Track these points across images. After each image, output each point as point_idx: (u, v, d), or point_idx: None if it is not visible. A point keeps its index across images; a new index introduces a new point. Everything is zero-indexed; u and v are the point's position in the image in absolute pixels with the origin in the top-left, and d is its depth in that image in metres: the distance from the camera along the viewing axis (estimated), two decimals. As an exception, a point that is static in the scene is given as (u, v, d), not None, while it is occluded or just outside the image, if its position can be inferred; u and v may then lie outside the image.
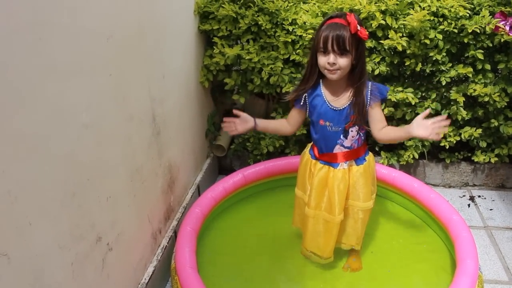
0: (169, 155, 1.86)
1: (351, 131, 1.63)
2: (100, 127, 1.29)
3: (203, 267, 1.74)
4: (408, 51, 2.04)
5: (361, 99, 1.57)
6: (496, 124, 2.21)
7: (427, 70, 2.12)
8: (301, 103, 1.68)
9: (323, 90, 1.62)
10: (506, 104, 2.13)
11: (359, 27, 1.47)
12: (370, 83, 1.60)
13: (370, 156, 1.76)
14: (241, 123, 1.72)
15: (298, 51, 2.09)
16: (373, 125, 1.62)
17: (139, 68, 1.55)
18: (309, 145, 1.80)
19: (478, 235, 2.10)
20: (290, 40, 2.07)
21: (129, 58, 1.46)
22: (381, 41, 2.03)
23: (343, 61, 1.49)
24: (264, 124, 1.77)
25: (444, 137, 2.27)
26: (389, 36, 2.02)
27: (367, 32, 1.53)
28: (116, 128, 1.40)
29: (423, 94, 2.20)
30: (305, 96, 1.66)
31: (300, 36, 2.07)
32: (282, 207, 2.10)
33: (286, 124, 1.78)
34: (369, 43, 2.06)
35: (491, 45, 2.03)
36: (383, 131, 1.62)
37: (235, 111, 1.72)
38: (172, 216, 1.94)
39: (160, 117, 1.73)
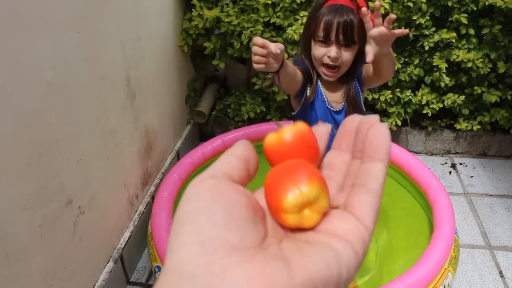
0: (146, 119, 1.82)
1: None
2: (68, 87, 1.25)
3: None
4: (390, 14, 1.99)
5: (353, 92, 1.32)
6: (479, 91, 2.19)
7: (410, 35, 2.08)
8: (302, 87, 1.34)
9: (321, 87, 1.33)
10: (489, 70, 2.11)
11: (369, 13, 1.14)
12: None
13: None
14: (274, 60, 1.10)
15: (278, 14, 2.03)
16: (372, 74, 1.29)
17: (111, 28, 1.49)
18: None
19: (458, 202, 2.11)
20: (270, 2, 2.00)
21: (100, 16, 1.40)
22: (364, 4, 1.98)
23: (347, 56, 1.21)
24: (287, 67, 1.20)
25: (427, 104, 2.25)
26: (372, -2, 1.97)
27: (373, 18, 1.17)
28: (86, 89, 1.35)
29: (406, 60, 2.17)
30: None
31: (281, -3, 2.01)
32: (261, 174, 2.08)
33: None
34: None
35: (475, 8, 1.99)
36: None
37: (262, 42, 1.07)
38: (149, 182, 1.92)
39: (135, 80, 1.68)
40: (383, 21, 1.09)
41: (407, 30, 1.13)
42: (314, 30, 1.21)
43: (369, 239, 0.27)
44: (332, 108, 1.33)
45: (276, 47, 1.06)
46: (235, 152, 0.30)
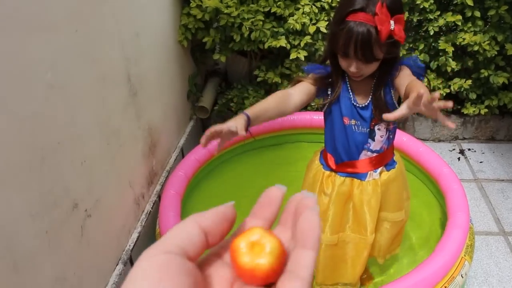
0: (148, 117, 1.78)
1: (378, 129, 1.26)
2: (68, 87, 1.20)
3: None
4: (394, -1, 1.94)
5: (382, 88, 1.22)
6: (486, 74, 2.15)
7: (414, 20, 2.04)
8: (321, 92, 1.29)
9: (348, 84, 1.26)
10: (496, 53, 2.06)
11: (393, 26, 1.05)
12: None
13: (398, 156, 1.42)
14: (225, 137, 1.12)
15: (279, 3, 1.98)
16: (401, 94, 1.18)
17: (110, 26, 1.45)
18: (318, 152, 1.46)
19: (469, 188, 2.08)
20: (270, -9, 1.96)
21: (97, 14, 1.36)
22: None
23: (370, 68, 1.16)
24: (256, 111, 1.18)
25: (433, 90, 2.21)
26: (375, -17, 1.91)
27: (403, 25, 1.08)
28: (87, 89, 1.31)
29: (411, 46, 2.12)
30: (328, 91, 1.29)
31: (281, -14, 1.96)
32: (269, 167, 2.04)
33: (290, 95, 1.23)
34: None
35: (481, -11, 1.95)
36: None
37: (213, 130, 1.07)
38: (155, 181, 1.88)
39: (135, 77, 1.64)
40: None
41: (450, 104, 0.92)
42: (335, 45, 1.15)
43: None
44: (357, 104, 1.25)
45: (231, 127, 1.05)
46: (201, 221, 0.31)
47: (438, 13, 2.02)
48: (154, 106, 1.85)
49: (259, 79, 2.20)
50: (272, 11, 2.00)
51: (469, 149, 2.38)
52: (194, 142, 2.35)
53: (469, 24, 2.04)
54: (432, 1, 1.97)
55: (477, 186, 2.10)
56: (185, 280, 0.28)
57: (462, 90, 2.20)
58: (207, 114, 2.37)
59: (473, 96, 2.24)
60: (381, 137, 1.28)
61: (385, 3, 1.04)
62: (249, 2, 2.02)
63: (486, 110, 2.26)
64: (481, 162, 2.27)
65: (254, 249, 0.31)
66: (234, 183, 2.05)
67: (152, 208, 1.78)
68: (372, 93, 1.23)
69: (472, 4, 1.95)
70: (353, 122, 1.26)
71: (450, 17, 2.00)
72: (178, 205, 1.69)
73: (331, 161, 1.34)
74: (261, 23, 1.98)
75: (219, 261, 0.33)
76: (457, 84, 2.18)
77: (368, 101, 1.24)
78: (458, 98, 2.34)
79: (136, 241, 1.63)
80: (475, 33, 2.04)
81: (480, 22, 2.03)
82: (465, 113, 2.29)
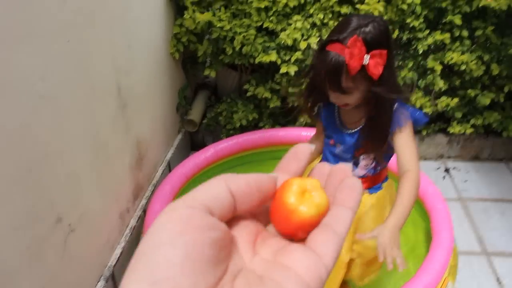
0: (137, 129, 1.76)
1: (363, 159, 1.26)
2: (58, 98, 1.19)
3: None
4: (385, 17, 1.97)
5: (376, 124, 1.18)
6: (473, 94, 2.18)
7: (404, 38, 2.06)
8: (316, 113, 1.32)
9: (337, 107, 1.26)
10: (482, 72, 2.10)
11: (366, 61, 1.03)
12: (397, 105, 1.17)
13: (388, 183, 1.37)
14: None
15: (271, 18, 1.99)
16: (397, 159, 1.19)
17: (102, 36, 1.44)
18: (318, 160, 1.43)
19: (453, 207, 2.09)
20: (263, 7, 1.96)
21: (90, 24, 1.35)
22: (357, 6, 1.95)
23: (350, 99, 1.12)
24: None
25: (421, 108, 2.23)
26: (366, 1, 1.94)
27: (383, 61, 1.05)
28: (77, 100, 1.29)
29: (400, 63, 2.14)
30: (320, 105, 1.30)
31: (274, 1, 1.97)
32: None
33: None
34: (345, 9, 1.97)
35: (468, 10, 1.98)
36: (401, 178, 1.14)
37: None
38: (141, 195, 1.85)
39: (126, 89, 1.62)
40: None
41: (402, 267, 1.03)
42: (313, 72, 1.17)
43: (327, 277, 0.28)
44: (344, 130, 1.25)
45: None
46: (234, 183, 0.29)
47: (428, 32, 2.05)
48: (143, 119, 1.83)
49: (248, 94, 2.20)
50: (264, 26, 2.00)
51: (454, 168, 2.40)
52: (182, 156, 2.33)
53: (457, 44, 2.07)
54: (422, 20, 2.00)
55: (461, 205, 2.12)
56: (208, 234, 0.25)
57: (448, 109, 2.23)
58: (195, 128, 2.36)
59: (459, 115, 2.27)
60: (366, 165, 1.27)
61: (362, 36, 1.03)
62: (242, 16, 2.03)
63: (471, 129, 2.29)
64: (465, 181, 2.30)
65: (304, 195, 0.30)
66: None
67: (137, 222, 1.75)
68: (363, 125, 1.22)
69: (460, 24, 1.98)
70: (338, 145, 1.27)
71: (438, 35, 2.03)
72: (164, 220, 1.66)
73: None
74: (253, 37, 1.98)
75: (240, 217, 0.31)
76: (444, 102, 2.20)
77: (356, 129, 1.23)
78: (444, 117, 2.37)
79: (119, 257, 1.60)
80: (462, 53, 2.07)
81: (467, 42, 2.07)
82: (451, 132, 2.32)
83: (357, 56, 1.02)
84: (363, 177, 1.29)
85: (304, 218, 0.29)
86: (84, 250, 1.38)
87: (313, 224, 0.30)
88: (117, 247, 1.62)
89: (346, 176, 0.32)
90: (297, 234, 0.30)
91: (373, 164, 1.27)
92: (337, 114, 1.26)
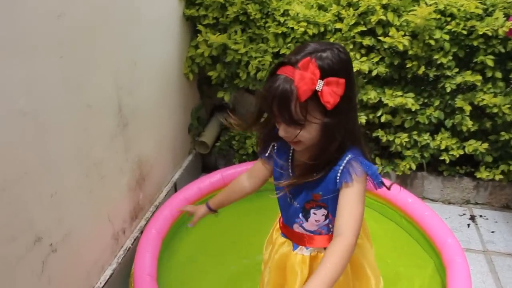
0: (139, 149, 1.71)
1: (314, 213, 1.12)
2: (44, 115, 1.14)
3: (166, 275, 1.59)
4: (410, 52, 1.86)
5: (315, 158, 1.03)
6: (507, 137, 2.02)
7: (431, 75, 1.94)
8: (267, 154, 1.17)
9: (292, 148, 1.12)
10: (516, 117, 1.94)
11: (320, 87, 0.90)
12: (350, 155, 1.02)
13: (363, 242, 1.21)
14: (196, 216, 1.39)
15: (289, 45, 1.92)
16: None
17: (103, 53, 1.40)
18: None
19: (476, 260, 1.91)
20: (280, 32, 1.90)
21: (88, 40, 1.31)
22: (381, 39, 1.85)
23: (302, 135, 0.97)
24: (218, 200, 1.36)
25: (446, 150, 2.08)
26: (390, 34, 1.83)
27: (340, 91, 0.92)
28: (66, 117, 1.25)
29: (425, 101, 2.01)
30: (274, 144, 1.16)
31: (292, 28, 1.90)
32: (260, 213, 1.92)
33: (242, 181, 1.29)
34: (368, 41, 1.88)
35: (503, 51, 1.85)
36: (332, 240, 1.00)
37: (183, 209, 1.51)
38: (140, 215, 1.79)
39: (128, 107, 1.58)
40: None
41: None
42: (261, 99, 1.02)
43: None
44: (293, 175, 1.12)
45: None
46: None
47: (457, 70, 1.92)
48: (147, 138, 1.78)
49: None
50: (281, 52, 1.93)
51: (481, 216, 2.22)
52: (191, 178, 2.27)
53: (489, 85, 1.93)
54: (451, 57, 1.88)
55: (486, 259, 1.94)
56: None
57: (477, 153, 2.07)
58: (207, 150, 2.30)
59: (489, 159, 2.10)
60: (317, 222, 1.13)
61: (318, 62, 0.91)
62: (259, 41, 1.97)
63: (501, 176, 2.12)
64: (492, 231, 2.11)
65: None
66: (222, 227, 1.94)
67: (132, 244, 1.69)
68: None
69: (492, 65, 1.85)
70: (287, 191, 1.13)
71: (469, 76, 1.90)
72: (158, 246, 1.60)
73: (281, 219, 1.24)
74: (268, 63, 1.91)
75: None
76: (472, 146, 2.05)
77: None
78: (472, 160, 2.20)
79: (108, 278, 1.54)
80: (495, 95, 1.93)
81: (501, 84, 1.93)
82: (478, 176, 2.15)
83: (308, 79, 0.89)
84: (316, 234, 1.15)
85: None
86: (66, 270, 1.32)
87: None
88: (108, 268, 1.56)
89: None
90: None
91: (325, 221, 1.12)
92: (291, 158, 1.12)
